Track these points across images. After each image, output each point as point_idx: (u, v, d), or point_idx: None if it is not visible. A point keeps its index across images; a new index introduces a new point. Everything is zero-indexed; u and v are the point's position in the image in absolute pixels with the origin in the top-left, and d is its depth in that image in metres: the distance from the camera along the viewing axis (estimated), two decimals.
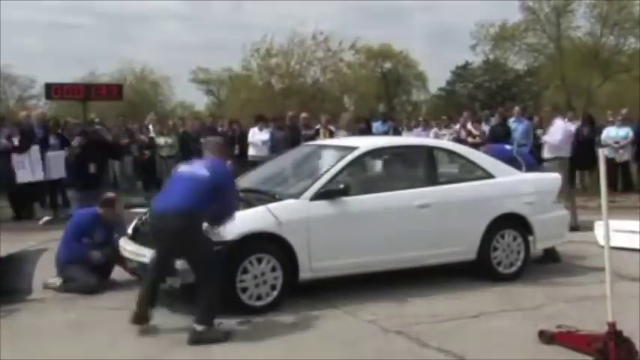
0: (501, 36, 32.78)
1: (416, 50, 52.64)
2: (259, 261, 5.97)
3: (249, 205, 6.24)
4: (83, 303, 6.39)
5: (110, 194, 7.41)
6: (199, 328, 5.21)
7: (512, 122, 14.76)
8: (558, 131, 10.57)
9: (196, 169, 5.54)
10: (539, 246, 7.41)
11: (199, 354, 5.01)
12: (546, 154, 10.68)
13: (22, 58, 50.04)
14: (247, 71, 33.89)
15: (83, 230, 7.06)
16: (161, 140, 15.04)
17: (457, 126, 15.65)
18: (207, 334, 5.20)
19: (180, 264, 5.77)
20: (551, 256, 7.90)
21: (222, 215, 5.54)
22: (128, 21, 58.89)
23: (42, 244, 9.38)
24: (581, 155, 14.59)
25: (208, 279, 5.35)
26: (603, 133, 14.83)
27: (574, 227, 9.30)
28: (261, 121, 14.88)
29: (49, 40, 56.50)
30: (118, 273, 7.01)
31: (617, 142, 14.42)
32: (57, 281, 6.88)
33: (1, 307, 6.12)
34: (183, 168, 5.72)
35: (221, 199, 5.44)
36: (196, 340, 5.16)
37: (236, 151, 14.95)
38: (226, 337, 5.26)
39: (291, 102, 27.85)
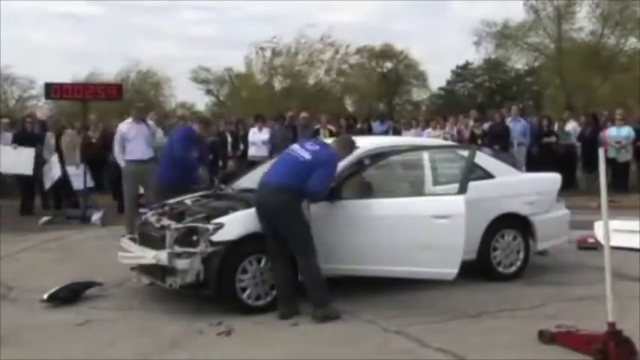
0: (503, 35, 32.74)
1: (448, 44, 51.97)
2: (259, 261, 5.97)
3: (249, 205, 6.22)
4: (83, 303, 6.40)
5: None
6: (316, 309, 5.70)
7: (509, 122, 14.82)
8: None
9: (301, 152, 6.06)
10: (539, 246, 7.40)
11: (198, 354, 5.02)
12: None
13: (26, 53, 48.98)
14: (250, 69, 33.92)
15: (192, 140, 7.80)
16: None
17: (458, 126, 15.65)
18: (323, 313, 5.68)
19: (181, 264, 5.78)
20: None
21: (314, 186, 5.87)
22: (144, 12, 57.84)
23: (42, 243, 9.43)
24: (585, 155, 14.63)
25: (307, 262, 5.76)
26: (604, 132, 14.74)
27: None
28: (259, 120, 14.87)
29: (57, 35, 55.52)
30: (118, 273, 7.01)
31: (618, 142, 14.33)
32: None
33: (1, 306, 6.14)
34: (292, 147, 6.26)
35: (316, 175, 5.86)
36: (319, 319, 5.64)
37: (239, 152, 14.98)
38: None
39: (291, 102, 27.82)
